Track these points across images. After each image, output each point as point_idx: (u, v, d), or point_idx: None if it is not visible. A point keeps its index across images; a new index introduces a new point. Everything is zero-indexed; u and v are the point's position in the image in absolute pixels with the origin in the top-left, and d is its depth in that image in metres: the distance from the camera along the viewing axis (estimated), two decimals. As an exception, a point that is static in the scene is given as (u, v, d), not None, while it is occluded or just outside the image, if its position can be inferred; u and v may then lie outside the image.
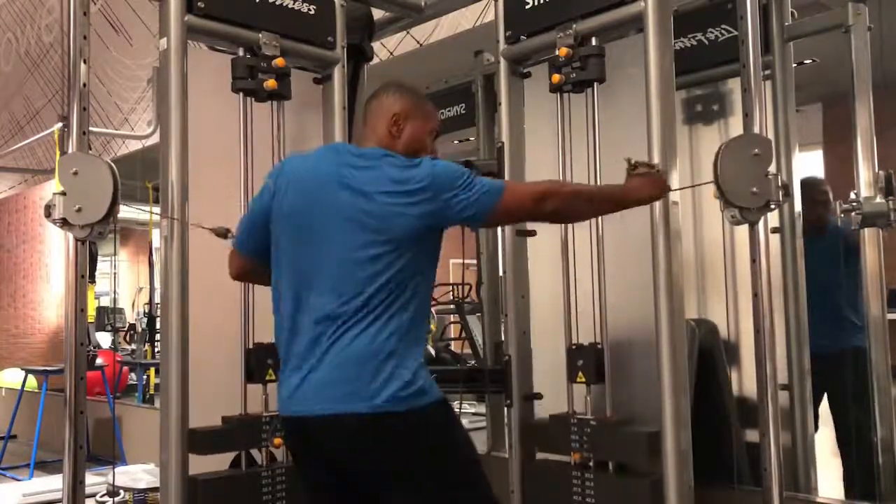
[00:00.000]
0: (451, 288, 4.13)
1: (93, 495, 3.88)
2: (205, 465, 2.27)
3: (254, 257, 1.98)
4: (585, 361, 2.26)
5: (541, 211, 1.85)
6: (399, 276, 1.74)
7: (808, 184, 3.08)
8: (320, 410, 1.73)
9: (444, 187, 1.75)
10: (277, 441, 2.33)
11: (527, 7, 2.43)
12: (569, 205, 1.89)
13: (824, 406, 3.00)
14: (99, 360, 5.64)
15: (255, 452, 2.38)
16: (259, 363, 2.35)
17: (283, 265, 1.86)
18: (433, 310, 4.57)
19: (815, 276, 2.79)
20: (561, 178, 2.37)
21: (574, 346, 2.31)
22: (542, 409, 2.46)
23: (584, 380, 2.27)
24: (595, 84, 2.29)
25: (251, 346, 2.37)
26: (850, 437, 2.85)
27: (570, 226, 2.37)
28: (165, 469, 2.18)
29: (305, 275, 1.80)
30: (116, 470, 4.16)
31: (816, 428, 2.89)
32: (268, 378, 2.35)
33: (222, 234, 2.26)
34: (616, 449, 2.21)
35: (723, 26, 2.79)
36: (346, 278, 1.74)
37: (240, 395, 2.35)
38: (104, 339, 7.36)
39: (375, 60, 3.15)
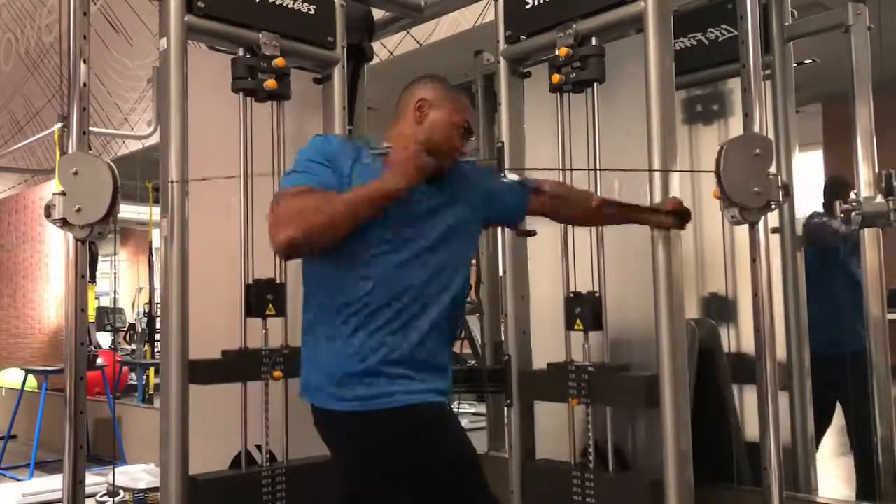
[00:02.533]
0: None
1: (93, 495, 3.89)
2: (205, 464, 2.27)
3: None
4: (583, 310, 2.27)
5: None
6: (307, 266, 1.82)
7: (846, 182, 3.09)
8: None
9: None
10: (277, 374, 2.37)
11: (527, 7, 2.43)
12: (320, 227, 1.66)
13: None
14: (99, 360, 5.64)
15: (255, 452, 2.38)
16: (259, 298, 2.37)
17: None
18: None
19: (844, 274, 2.81)
20: (560, 178, 2.35)
21: (572, 294, 2.32)
22: (539, 361, 2.46)
23: (581, 327, 2.27)
24: (595, 84, 2.28)
25: (251, 282, 2.39)
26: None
27: (569, 232, 2.36)
28: (165, 469, 2.18)
29: None
30: (116, 470, 4.16)
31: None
32: (267, 313, 2.38)
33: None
34: (614, 393, 2.22)
35: (723, 26, 2.80)
36: None
37: (240, 331, 2.38)
38: (104, 339, 7.36)
39: (375, 60, 3.16)
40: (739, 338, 2.84)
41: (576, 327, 2.28)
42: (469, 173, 1.94)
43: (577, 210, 2.12)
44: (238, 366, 2.36)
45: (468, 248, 1.92)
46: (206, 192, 2.34)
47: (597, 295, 2.27)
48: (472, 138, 1.94)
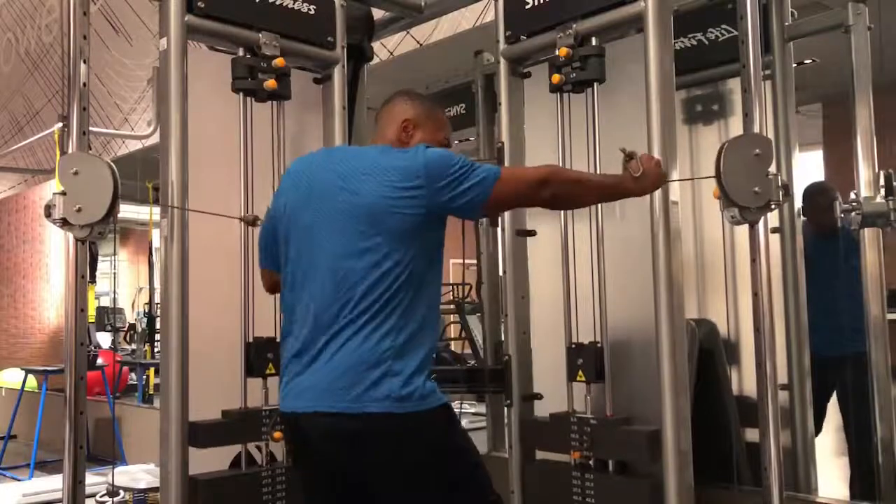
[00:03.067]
0: (451, 288, 4.14)
1: (93, 495, 3.88)
2: (205, 464, 2.27)
3: (278, 269, 1.96)
4: (585, 360, 2.26)
5: (539, 197, 1.83)
6: (394, 273, 1.71)
7: (816, 190, 3.09)
8: (311, 408, 1.72)
9: (437, 178, 1.71)
10: (277, 435, 2.33)
11: (527, 7, 2.43)
12: (568, 191, 1.87)
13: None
14: (99, 360, 5.64)
15: (255, 452, 2.38)
16: (259, 357, 2.36)
17: (287, 265, 1.86)
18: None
19: (830, 277, 2.81)
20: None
21: (574, 346, 2.31)
22: (542, 409, 2.45)
23: (583, 378, 2.27)
24: (595, 84, 2.29)
25: (251, 340, 2.37)
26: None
27: (570, 225, 2.37)
28: (165, 469, 2.18)
29: (303, 275, 1.80)
30: (116, 470, 4.16)
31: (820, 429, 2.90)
32: (267, 372, 2.36)
33: (250, 221, 2.32)
34: (616, 447, 2.21)
35: (723, 26, 2.80)
36: (340, 278, 1.73)
37: (240, 389, 2.35)
38: (104, 339, 7.35)
39: (375, 60, 3.15)
40: (742, 377, 2.83)
41: (578, 378, 2.28)
42: None
43: None
44: (238, 426, 2.32)
45: None
46: (206, 191, 2.34)
47: (598, 345, 2.27)
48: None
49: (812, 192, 3.08)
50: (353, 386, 1.67)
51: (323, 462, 1.78)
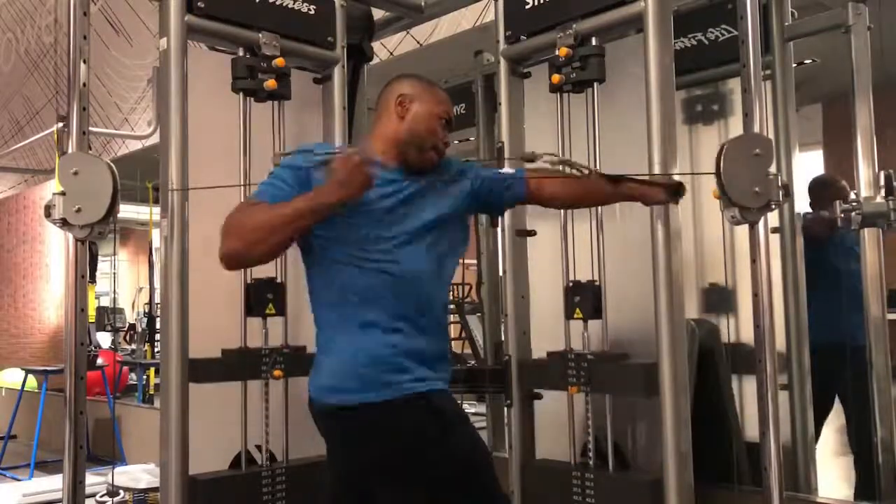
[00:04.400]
0: (451, 288, 4.14)
1: (93, 495, 3.88)
2: (205, 464, 2.27)
3: None
4: (582, 299, 2.27)
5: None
6: (310, 263, 1.83)
7: (825, 182, 3.08)
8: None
9: None
10: (277, 373, 2.37)
11: (527, 7, 2.43)
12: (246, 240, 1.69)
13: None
14: (99, 360, 5.64)
15: (255, 452, 2.38)
16: (258, 297, 2.38)
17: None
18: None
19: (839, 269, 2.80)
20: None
21: (571, 283, 2.32)
22: (539, 351, 2.46)
23: (580, 316, 2.27)
24: (595, 84, 2.29)
25: (250, 281, 2.39)
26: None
27: (570, 225, 2.37)
28: (165, 469, 2.18)
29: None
30: (116, 470, 4.16)
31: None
32: (267, 312, 2.39)
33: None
34: (613, 381, 2.22)
35: (723, 26, 2.80)
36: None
37: (239, 330, 2.38)
38: (104, 339, 7.35)
39: (375, 60, 3.16)
40: (739, 329, 2.83)
41: (575, 316, 2.29)
42: (454, 164, 1.97)
43: (575, 192, 2.07)
44: (238, 365, 2.36)
45: (457, 238, 1.94)
46: (205, 191, 2.33)
47: (596, 283, 2.28)
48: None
49: (819, 183, 3.08)
50: None
51: None
